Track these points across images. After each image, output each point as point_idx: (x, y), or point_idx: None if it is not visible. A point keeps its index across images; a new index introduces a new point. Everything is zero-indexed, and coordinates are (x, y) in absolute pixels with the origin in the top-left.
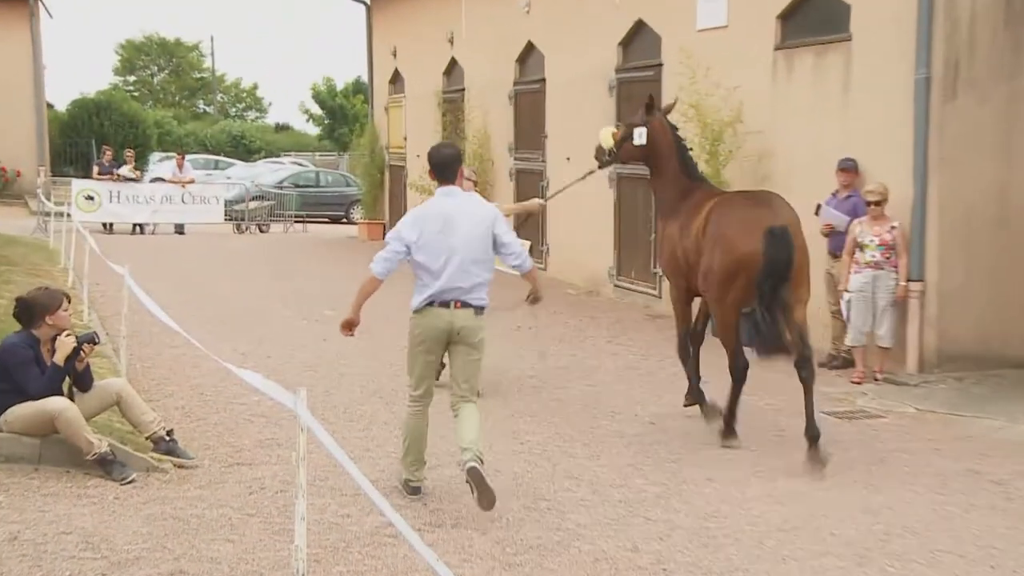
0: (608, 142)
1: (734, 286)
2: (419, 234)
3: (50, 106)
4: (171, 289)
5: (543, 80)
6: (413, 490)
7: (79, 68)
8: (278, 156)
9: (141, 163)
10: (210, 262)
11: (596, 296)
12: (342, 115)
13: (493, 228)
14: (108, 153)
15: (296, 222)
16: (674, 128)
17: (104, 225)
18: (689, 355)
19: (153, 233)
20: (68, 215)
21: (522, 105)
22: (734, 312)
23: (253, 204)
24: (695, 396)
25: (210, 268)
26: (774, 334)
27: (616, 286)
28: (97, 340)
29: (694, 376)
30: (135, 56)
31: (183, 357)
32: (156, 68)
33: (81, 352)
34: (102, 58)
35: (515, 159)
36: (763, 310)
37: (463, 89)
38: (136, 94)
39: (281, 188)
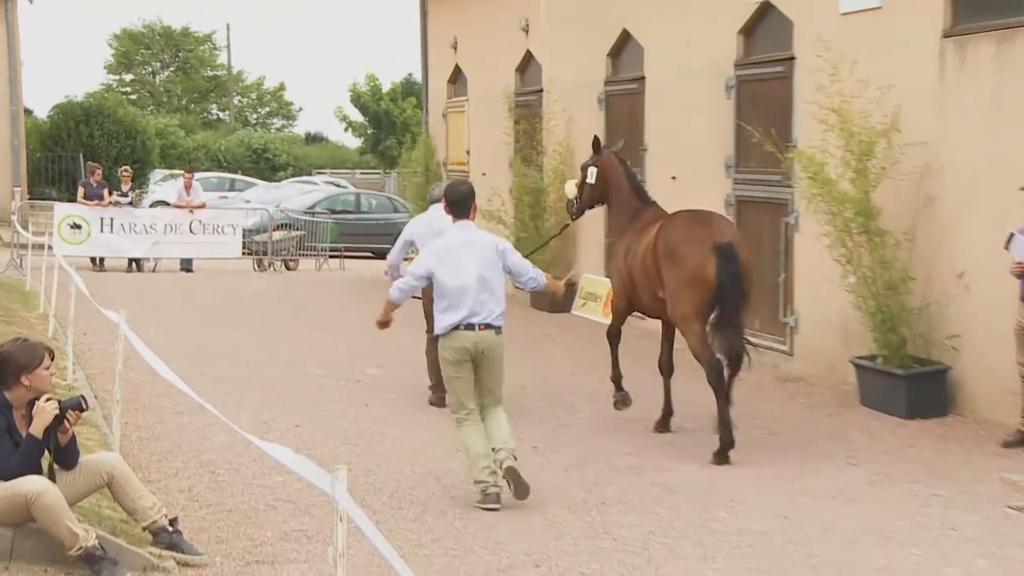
0: (572, 192)
1: (690, 299)
2: (442, 265)
3: (28, 112)
4: (176, 341)
5: (642, 79)
6: (494, 498)
7: (65, 65)
8: (309, 174)
9: (139, 183)
10: (224, 307)
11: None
12: (388, 123)
13: (504, 258)
14: (98, 171)
15: (331, 257)
16: (623, 161)
17: (93, 260)
18: (618, 343)
19: (154, 271)
20: (49, 248)
21: (616, 110)
22: (696, 322)
23: (278, 235)
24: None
25: (224, 315)
26: (733, 355)
27: None
28: (85, 406)
29: (617, 373)
30: (133, 50)
31: (190, 426)
32: (158, 64)
33: (65, 421)
34: (92, 52)
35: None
36: (726, 324)
37: (541, 90)
38: (134, 97)
39: (313, 214)
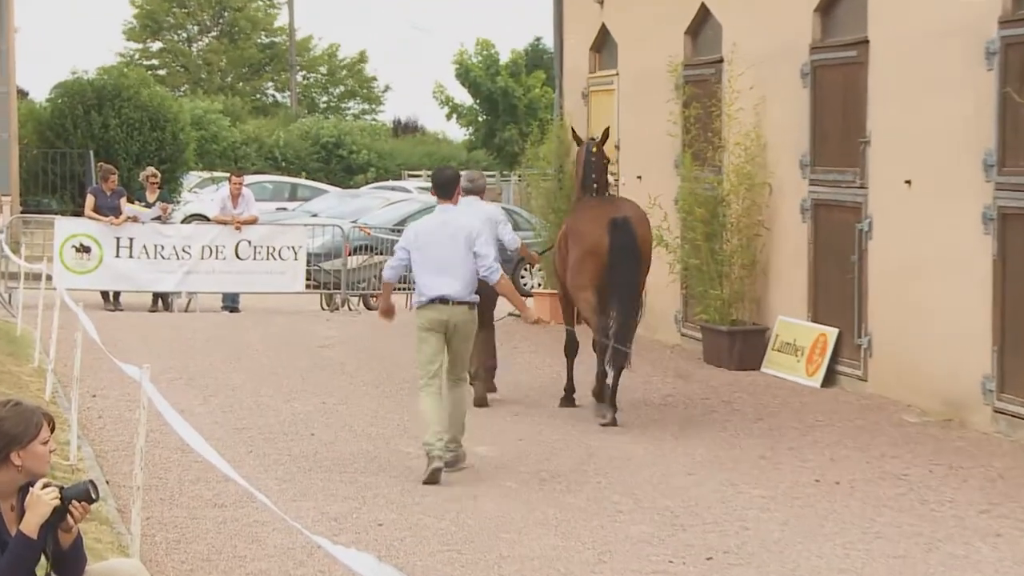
0: None
1: (585, 270)
2: (416, 244)
3: (23, 94)
4: (216, 407)
5: (864, 43)
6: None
7: (72, 32)
8: (399, 178)
9: (169, 190)
10: (281, 361)
11: (958, 428)
12: (508, 107)
13: (474, 242)
14: (113, 175)
15: None
16: (594, 153)
17: (106, 296)
18: (575, 353)
19: (187, 310)
20: (48, 279)
21: (826, 87)
22: (587, 291)
23: (356, 260)
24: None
25: (281, 371)
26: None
27: (998, 411)
28: (94, 495)
29: (570, 381)
30: (161, 9)
31: (234, 523)
32: (196, 29)
33: (68, 515)
34: (109, 14)
35: (812, 183)
36: (613, 292)
37: (720, 61)
38: (163, 73)
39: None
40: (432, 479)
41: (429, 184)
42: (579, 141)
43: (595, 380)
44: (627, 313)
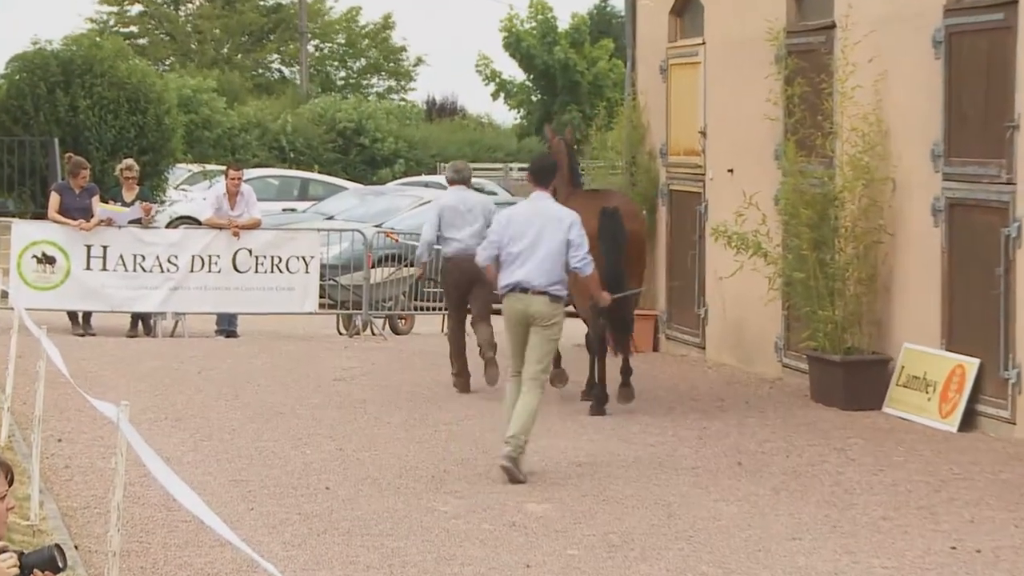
0: None
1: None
2: (508, 232)
3: None
4: (209, 454)
5: (1013, 2)
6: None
7: None
8: (432, 172)
9: (152, 187)
10: (289, 397)
11: None
12: (568, 84)
13: (568, 231)
14: (84, 169)
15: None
16: (570, 146)
17: (74, 317)
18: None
19: (173, 334)
20: (4, 296)
21: (964, 59)
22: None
23: (380, 273)
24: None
25: (289, 410)
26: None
27: None
28: (61, 563)
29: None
30: None
31: None
32: None
33: None
34: None
35: (946, 177)
36: (606, 280)
37: (832, 26)
38: (143, 42)
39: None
40: (512, 480)
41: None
42: (549, 135)
43: (590, 378)
44: (620, 303)
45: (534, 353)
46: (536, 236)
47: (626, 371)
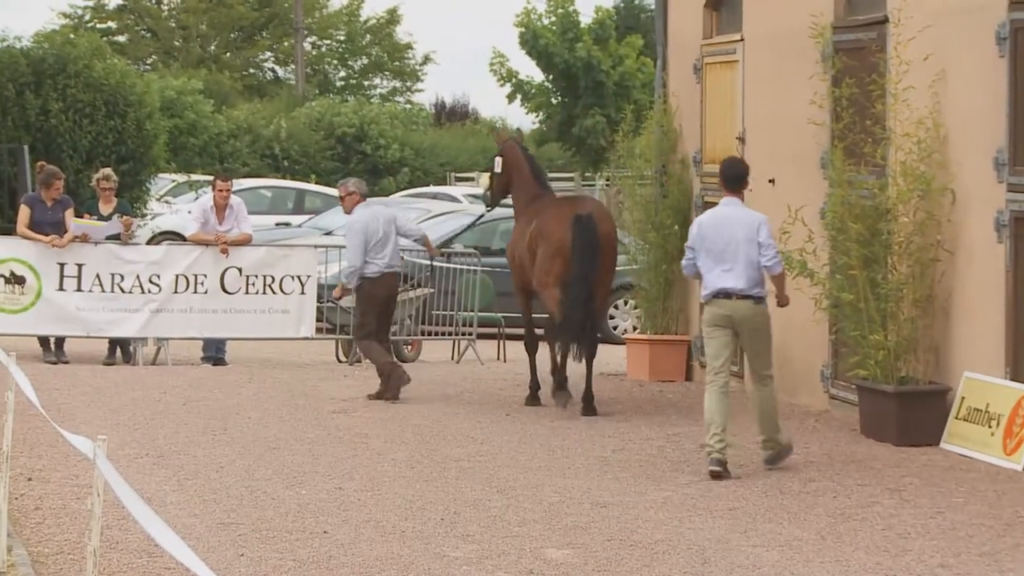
0: (486, 183)
1: (553, 267)
2: (701, 240)
3: None
4: (195, 494)
5: None
6: (714, 463)
7: None
8: (443, 182)
9: (132, 199)
10: (284, 432)
11: None
12: (591, 85)
13: (757, 233)
14: (57, 179)
15: (482, 336)
16: (525, 148)
17: (46, 343)
18: (536, 349)
19: (155, 362)
20: None
21: None
22: (555, 288)
23: None
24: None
25: (283, 445)
26: (577, 317)
27: None
28: None
29: (535, 378)
30: None
31: None
32: None
33: None
34: None
35: (1011, 188)
36: (574, 286)
37: (883, 21)
38: (122, 40)
39: (449, 257)
40: (716, 476)
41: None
42: (499, 138)
43: (553, 375)
44: (588, 306)
45: (755, 354)
46: (734, 242)
47: (589, 379)
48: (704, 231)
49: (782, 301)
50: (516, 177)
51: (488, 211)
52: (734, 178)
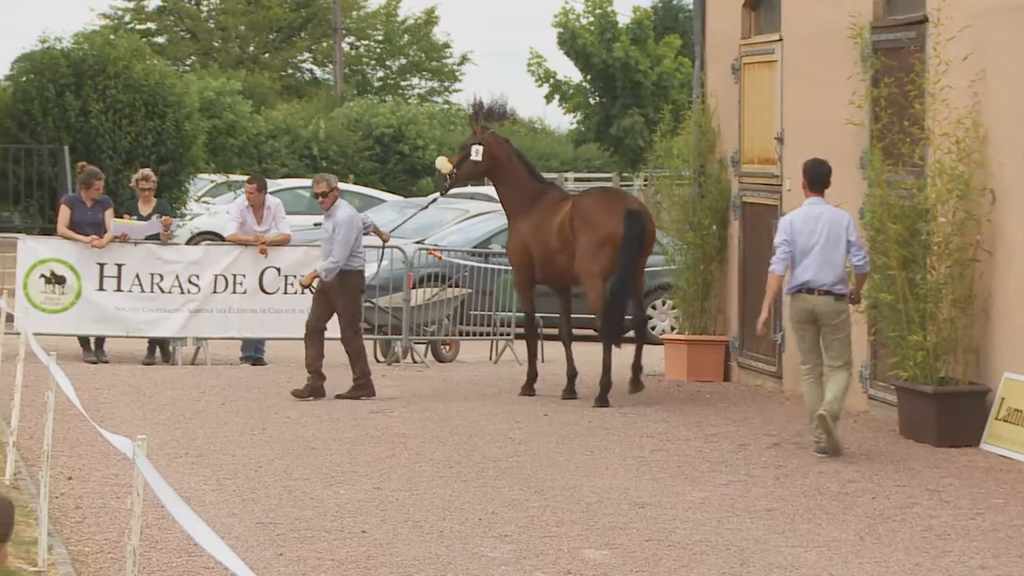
0: (446, 167)
1: (601, 258)
2: (792, 236)
3: None
4: (233, 493)
5: None
6: (820, 449)
7: None
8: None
9: (171, 199)
10: (321, 431)
11: None
12: (629, 85)
13: (846, 232)
14: (96, 180)
15: (520, 337)
16: (507, 140)
17: (86, 343)
18: (537, 337)
19: (194, 362)
20: (9, 320)
21: None
22: (600, 280)
23: (422, 295)
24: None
25: (321, 445)
26: (622, 307)
27: None
28: None
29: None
30: None
31: None
32: None
33: None
34: None
35: None
36: (621, 278)
37: (923, 21)
38: (161, 41)
39: (487, 258)
40: (834, 453)
41: None
42: (478, 128)
43: (603, 372)
44: (638, 299)
45: (832, 352)
46: (823, 239)
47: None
48: (795, 228)
49: (856, 299)
50: (505, 172)
51: (440, 195)
52: (820, 178)
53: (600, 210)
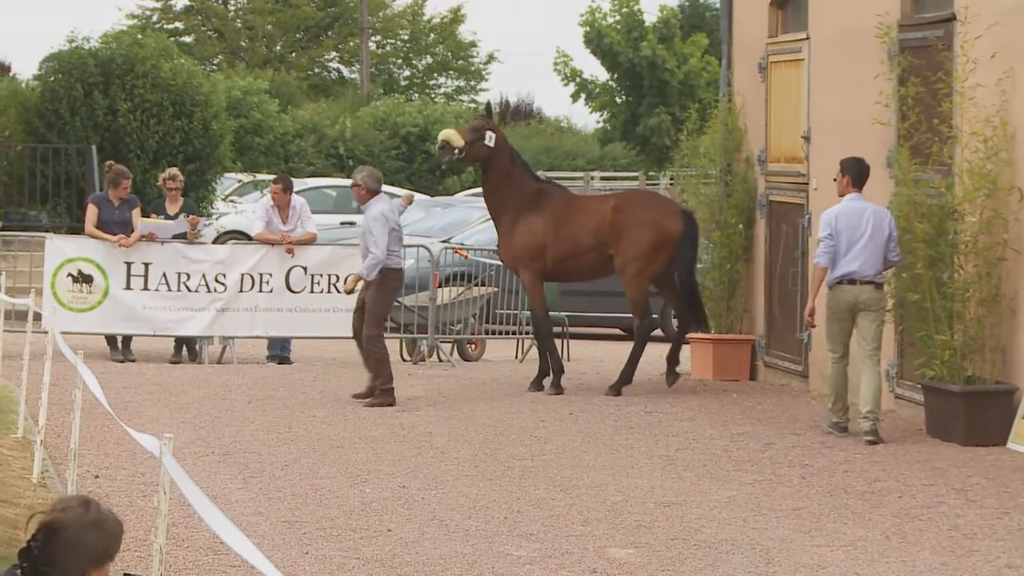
0: (458, 140)
1: (657, 258)
2: (840, 232)
3: (4, 69)
4: (260, 492)
5: None
6: (841, 429)
7: None
8: None
9: (198, 199)
10: (347, 431)
11: None
12: (655, 84)
13: (886, 226)
14: (124, 180)
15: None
16: (505, 137)
17: (113, 342)
18: (551, 333)
19: (220, 361)
20: (37, 319)
21: None
22: (646, 280)
23: (448, 293)
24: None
25: (347, 444)
26: (699, 299)
27: None
28: None
29: (557, 361)
30: None
31: None
32: None
33: None
34: None
35: None
36: (682, 276)
37: (951, 19)
38: (189, 40)
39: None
40: (874, 440)
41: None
42: (482, 119)
43: (628, 365)
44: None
45: (869, 335)
46: (867, 232)
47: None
48: (839, 223)
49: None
50: (505, 167)
51: (443, 166)
52: (860, 176)
53: (656, 211)
